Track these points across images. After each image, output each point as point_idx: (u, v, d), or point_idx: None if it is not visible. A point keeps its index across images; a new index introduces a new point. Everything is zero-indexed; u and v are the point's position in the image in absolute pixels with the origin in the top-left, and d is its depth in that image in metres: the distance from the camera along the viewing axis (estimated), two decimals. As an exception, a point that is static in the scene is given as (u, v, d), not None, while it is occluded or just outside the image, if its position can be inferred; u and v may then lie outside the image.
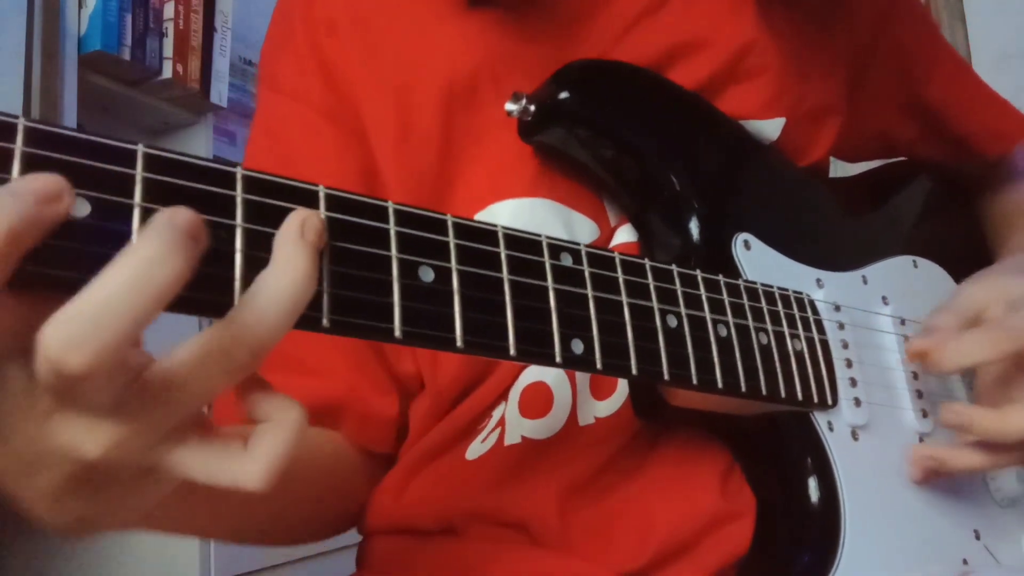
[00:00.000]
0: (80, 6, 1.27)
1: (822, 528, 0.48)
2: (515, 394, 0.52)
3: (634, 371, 0.39)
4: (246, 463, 0.28)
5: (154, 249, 0.24)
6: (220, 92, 1.46)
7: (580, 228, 0.53)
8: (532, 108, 0.50)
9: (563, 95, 0.51)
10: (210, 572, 1.07)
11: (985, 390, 0.52)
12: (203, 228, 0.26)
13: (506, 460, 0.53)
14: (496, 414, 0.53)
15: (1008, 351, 0.48)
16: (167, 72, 1.37)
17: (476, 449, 0.54)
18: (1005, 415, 0.48)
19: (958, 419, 0.50)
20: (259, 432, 0.29)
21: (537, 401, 0.52)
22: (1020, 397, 0.49)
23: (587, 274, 0.39)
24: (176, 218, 0.25)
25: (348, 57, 0.55)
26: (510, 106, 0.51)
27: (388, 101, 0.54)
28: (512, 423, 0.52)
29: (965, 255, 0.67)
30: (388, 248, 0.32)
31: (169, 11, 1.38)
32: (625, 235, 0.54)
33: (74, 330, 0.24)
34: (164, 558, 1.09)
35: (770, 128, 0.57)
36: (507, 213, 0.52)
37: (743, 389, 0.44)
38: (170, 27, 1.38)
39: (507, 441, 0.52)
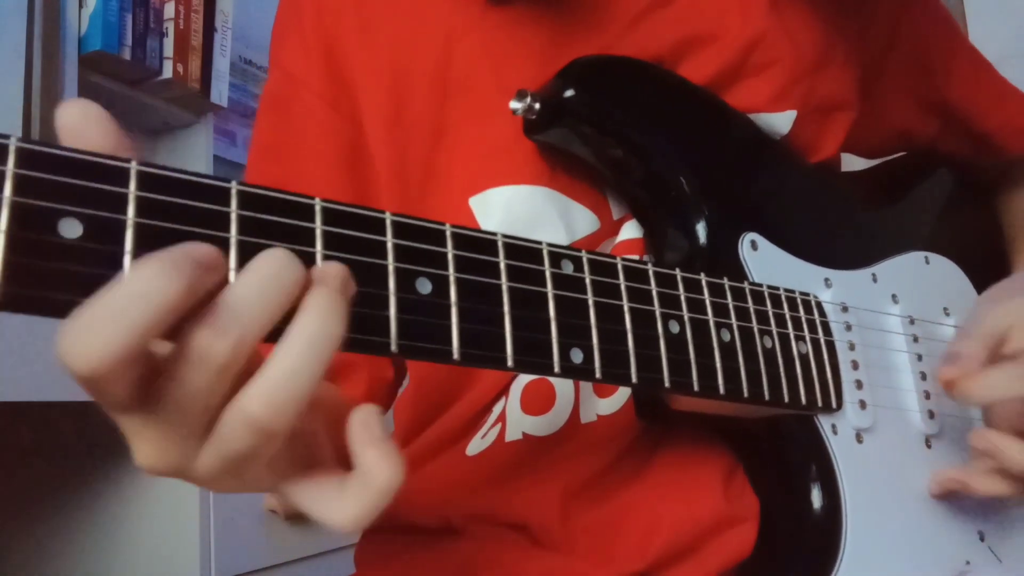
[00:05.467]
0: (80, 6, 1.27)
1: (823, 532, 0.48)
2: (516, 390, 0.52)
3: (634, 379, 0.39)
4: (335, 509, 0.31)
5: (154, 267, 0.25)
6: (220, 92, 1.45)
7: (578, 219, 0.53)
8: (537, 106, 0.49)
9: (569, 92, 0.50)
10: (210, 572, 1.07)
11: (1002, 417, 0.51)
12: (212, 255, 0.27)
13: (507, 457, 0.53)
14: (496, 409, 0.53)
15: None
16: (167, 72, 1.37)
17: (477, 445, 0.54)
18: None
19: (987, 445, 0.50)
20: (350, 484, 0.30)
21: (539, 397, 0.52)
22: None
23: (588, 281, 0.38)
24: (196, 251, 0.26)
25: (349, 41, 0.55)
26: (515, 104, 0.50)
27: (384, 83, 0.54)
28: (513, 419, 0.52)
29: (979, 251, 0.66)
30: (385, 260, 0.32)
31: (169, 11, 1.38)
32: (631, 231, 0.54)
33: (80, 333, 0.24)
34: (164, 558, 1.09)
35: (781, 121, 0.56)
36: (502, 199, 0.52)
37: (746, 395, 0.44)
38: (170, 27, 1.37)
39: (508, 437, 0.52)
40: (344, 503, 0.30)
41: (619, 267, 0.40)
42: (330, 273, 0.29)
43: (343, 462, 0.32)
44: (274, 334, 0.28)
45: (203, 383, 0.27)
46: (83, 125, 0.28)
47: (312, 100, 0.56)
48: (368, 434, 0.30)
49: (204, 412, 0.28)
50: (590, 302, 0.38)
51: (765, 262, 0.51)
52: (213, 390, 0.27)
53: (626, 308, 0.39)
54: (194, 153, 1.47)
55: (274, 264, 0.28)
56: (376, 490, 0.30)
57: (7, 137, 0.25)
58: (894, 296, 0.57)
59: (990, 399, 0.50)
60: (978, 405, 0.54)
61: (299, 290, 0.28)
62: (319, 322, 0.28)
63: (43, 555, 1.19)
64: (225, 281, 0.28)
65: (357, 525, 0.30)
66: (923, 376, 0.55)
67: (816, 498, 0.48)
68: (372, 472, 0.30)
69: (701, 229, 0.50)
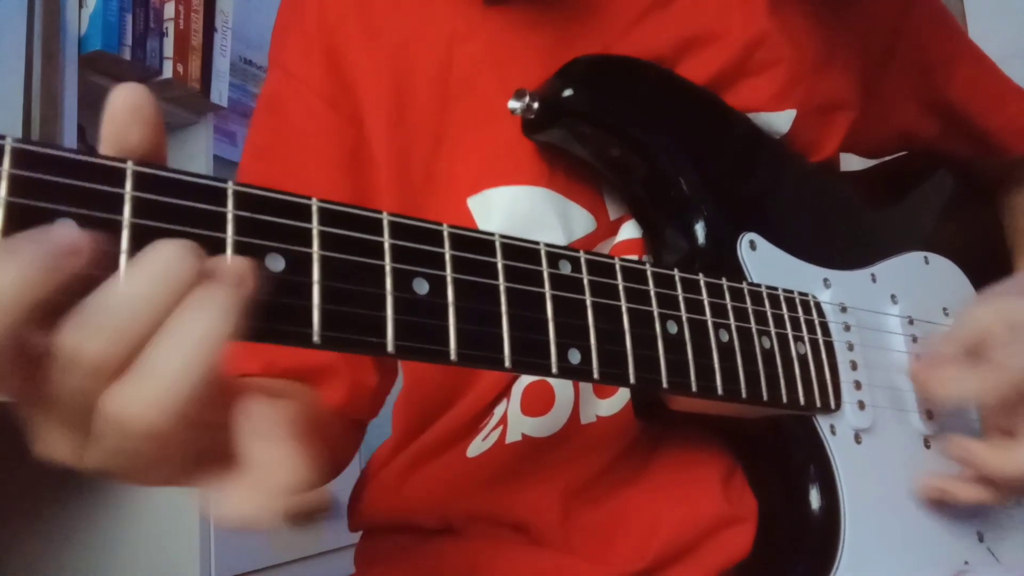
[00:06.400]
0: (80, 6, 1.27)
1: (821, 533, 0.48)
2: (517, 391, 0.52)
3: (632, 380, 0.39)
4: (232, 504, 0.28)
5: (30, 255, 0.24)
6: (220, 92, 1.46)
7: (576, 220, 0.53)
8: (536, 106, 0.49)
9: (568, 92, 0.50)
10: (210, 572, 1.07)
11: (990, 418, 0.51)
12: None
13: (507, 458, 0.53)
14: (498, 411, 0.53)
15: (1000, 390, 0.48)
16: (167, 72, 1.37)
17: (477, 447, 0.54)
18: (1006, 452, 0.49)
19: (960, 453, 0.50)
20: (244, 479, 0.28)
21: (539, 399, 0.52)
22: (1021, 432, 0.49)
23: (586, 282, 0.38)
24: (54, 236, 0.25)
25: (351, 42, 0.55)
26: (513, 103, 0.50)
27: (385, 85, 0.54)
28: (513, 421, 0.52)
29: (980, 251, 0.66)
30: (382, 260, 0.32)
31: (169, 11, 1.38)
32: (630, 231, 0.54)
33: None
34: (164, 558, 1.10)
35: (781, 121, 0.56)
36: (502, 200, 0.52)
37: (744, 395, 0.44)
38: (170, 27, 1.38)
39: (508, 439, 0.52)
40: (240, 497, 0.28)
41: (617, 267, 0.40)
42: (222, 268, 0.27)
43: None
44: None
45: (75, 383, 0.25)
46: (131, 117, 0.27)
47: (312, 99, 0.56)
48: (264, 427, 0.28)
49: (84, 409, 0.26)
50: (588, 302, 0.38)
51: (764, 262, 0.51)
52: (90, 389, 0.26)
53: (624, 308, 0.39)
54: (194, 153, 1.47)
55: (163, 257, 0.26)
56: (268, 486, 0.28)
57: (2, 138, 0.25)
58: (893, 296, 0.57)
59: (950, 399, 0.51)
60: (937, 401, 0.54)
61: (192, 286, 0.26)
62: (198, 320, 0.26)
63: (43, 555, 1.20)
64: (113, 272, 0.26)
65: (252, 521, 0.28)
66: (922, 376, 0.55)
67: (815, 499, 0.48)
68: (264, 467, 0.28)
69: (700, 229, 0.50)
